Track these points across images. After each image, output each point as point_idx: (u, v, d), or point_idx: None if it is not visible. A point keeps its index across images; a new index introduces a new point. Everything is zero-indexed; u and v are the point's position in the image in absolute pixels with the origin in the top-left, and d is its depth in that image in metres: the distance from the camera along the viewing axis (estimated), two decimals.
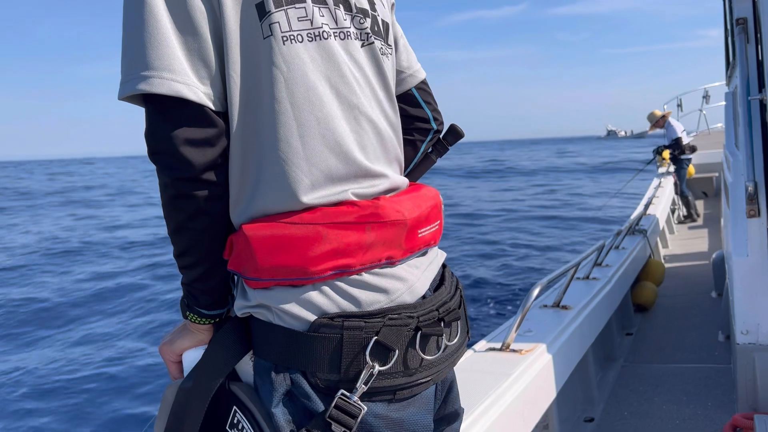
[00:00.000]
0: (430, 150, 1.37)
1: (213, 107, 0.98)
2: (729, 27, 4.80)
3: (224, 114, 1.00)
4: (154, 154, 0.96)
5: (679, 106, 12.58)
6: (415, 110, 1.30)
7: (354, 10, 1.10)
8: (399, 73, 1.25)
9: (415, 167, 1.34)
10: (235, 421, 1.04)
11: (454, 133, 1.37)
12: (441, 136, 1.37)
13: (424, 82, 1.31)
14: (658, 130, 10.10)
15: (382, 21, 1.16)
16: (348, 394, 0.96)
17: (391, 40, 1.19)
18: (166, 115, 0.95)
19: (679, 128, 9.79)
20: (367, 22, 1.11)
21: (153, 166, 0.99)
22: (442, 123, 1.35)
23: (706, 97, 12.68)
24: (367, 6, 1.12)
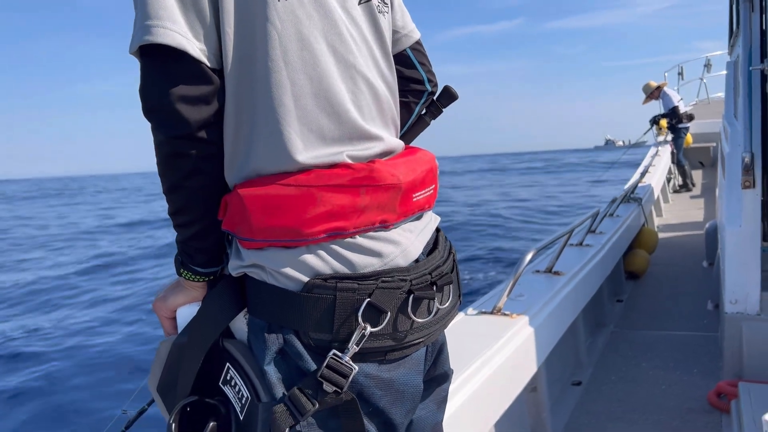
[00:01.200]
0: (423, 112, 1.35)
1: (209, 64, 0.96)
2: None
3: (219, 71, 0.99)
4: (149, 111, 0.95)
5: (680, 74, 12.47)
6: (409, 71, 1.28)
7: None
8: (394, 33, 1.23)
9: (408, 130, 1.33)
10: (228, 378, 1.05)
11: (448, 95, 1.36)
12: (435, 98, 1.36)
13: (418, 42, 1.29)
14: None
15: None
16: (340, 354, 0.97)
17: None
18: (162, 68, 0.94)
19: (676, 97, 9.74)
20: None
21: None
22: (436, 85, 1.33)
23: (707, 65, 12.57)
24: None
